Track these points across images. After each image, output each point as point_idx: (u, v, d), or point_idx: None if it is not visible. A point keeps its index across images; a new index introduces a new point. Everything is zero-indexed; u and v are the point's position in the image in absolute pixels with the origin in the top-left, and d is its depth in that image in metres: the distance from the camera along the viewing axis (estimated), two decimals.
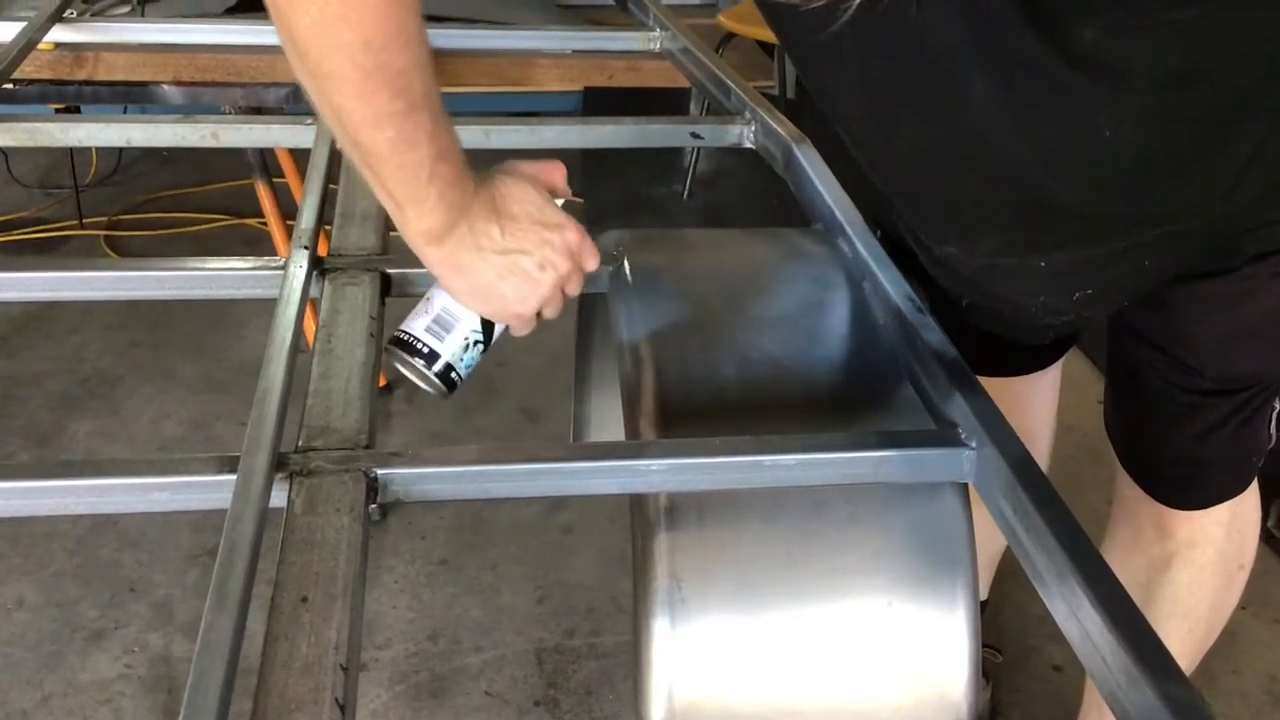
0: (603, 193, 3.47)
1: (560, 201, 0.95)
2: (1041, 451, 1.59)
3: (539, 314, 0.94)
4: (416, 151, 0.80)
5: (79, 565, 2.03)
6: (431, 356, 0.93)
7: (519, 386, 2.56)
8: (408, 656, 1.86)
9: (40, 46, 1.73)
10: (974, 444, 0.83)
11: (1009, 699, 1.83)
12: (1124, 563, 1.34)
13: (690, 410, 0.93)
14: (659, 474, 0.81)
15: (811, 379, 0.97)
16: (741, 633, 0.82)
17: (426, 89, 0.78)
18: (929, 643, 0.84)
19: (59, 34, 1.78)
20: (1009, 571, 1.76)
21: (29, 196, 3.43)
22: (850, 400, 0.96)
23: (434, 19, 1.99)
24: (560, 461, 0.82)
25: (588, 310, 1.40)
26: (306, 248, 1.02)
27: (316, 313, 0.98)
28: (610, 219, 1.20)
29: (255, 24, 1.87)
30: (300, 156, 2.05)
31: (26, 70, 1.76)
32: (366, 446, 0.80)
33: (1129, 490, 1.34)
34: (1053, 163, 0.92)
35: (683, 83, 1.78)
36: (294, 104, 1.92)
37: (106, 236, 3.23)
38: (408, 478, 0.79)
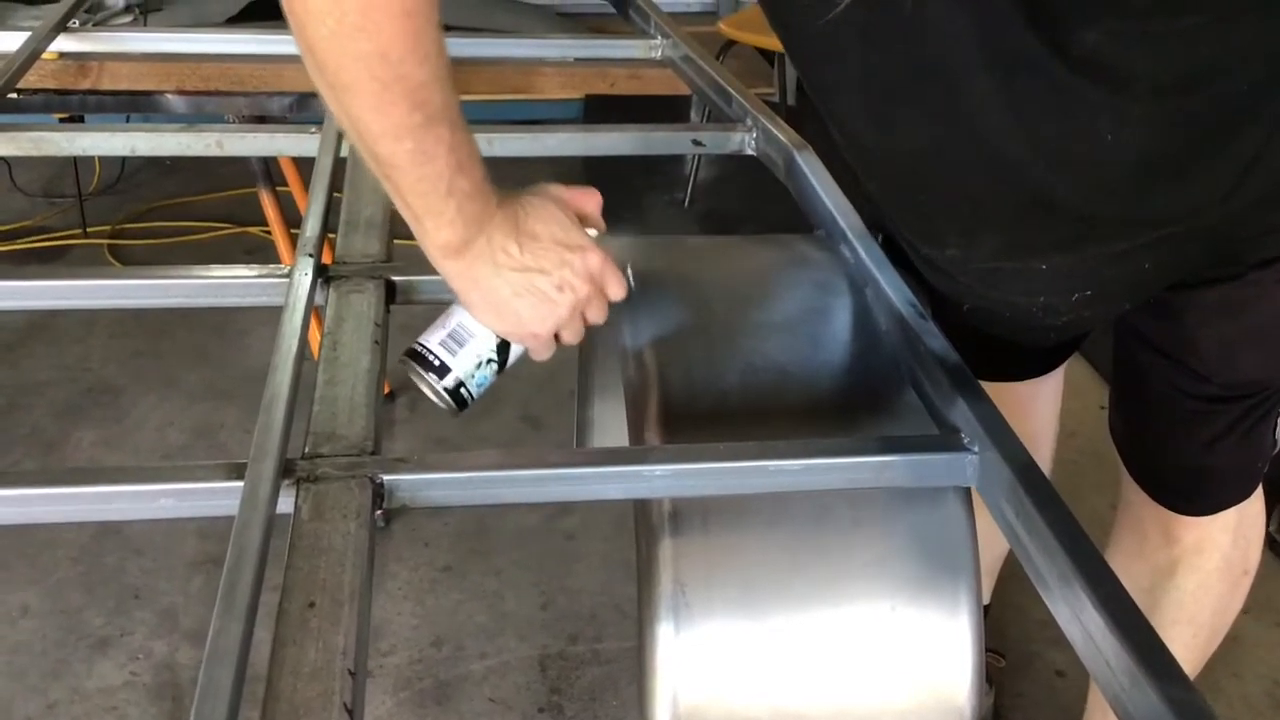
0: (605, 201, 3.47)
1: (592, 233, 0.94)
2: (1044, 456, 1.59)
3: (558, 338, 0.93)
4: (435, 164, 0.80)
5: (84, 573, 2.03)
6: (443, 370, 0.93)
7: (521, 394, 2.56)
8: (412, 663, 1.86)
9: (45, 56, 1.74)
10: (976, 448, 0.84)
11: (1011, 704, 1.83)
12: (1128, 568, 1.34)
13: (694, 416, 0.93)
14: (663, 479, 0.81)
15: (814, 384, 0.97)
16: (745, 637, 0.83)
17: (446, 102, 0.79)
18: (932, 647, 0.84)
19: (63, 44, 1.78)
20: (1011, 576, 1.76)
21: (32, 205, 3.43)
22: (853, 405, 0.96)
23: None
24: (565, 467, 0.82)
25: None
26: (311, 255, 1.03)
27: (321, 321, 0.99)
28: (612, 227, 1.21)
29: (258, 33, 1.88)
30: (304, 165, 2.06)
31: (31, 80, 1.78)
32: (372, 453, 0.81)
33: (1134, 496, 1.34)
34: (1053, 163, 0.92)
35: (684, 90, 1.78)
36: (297, 112, 1.93)
37: (110, 245, 3.24)
38: (414, 484, 0.79)
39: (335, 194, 1.19)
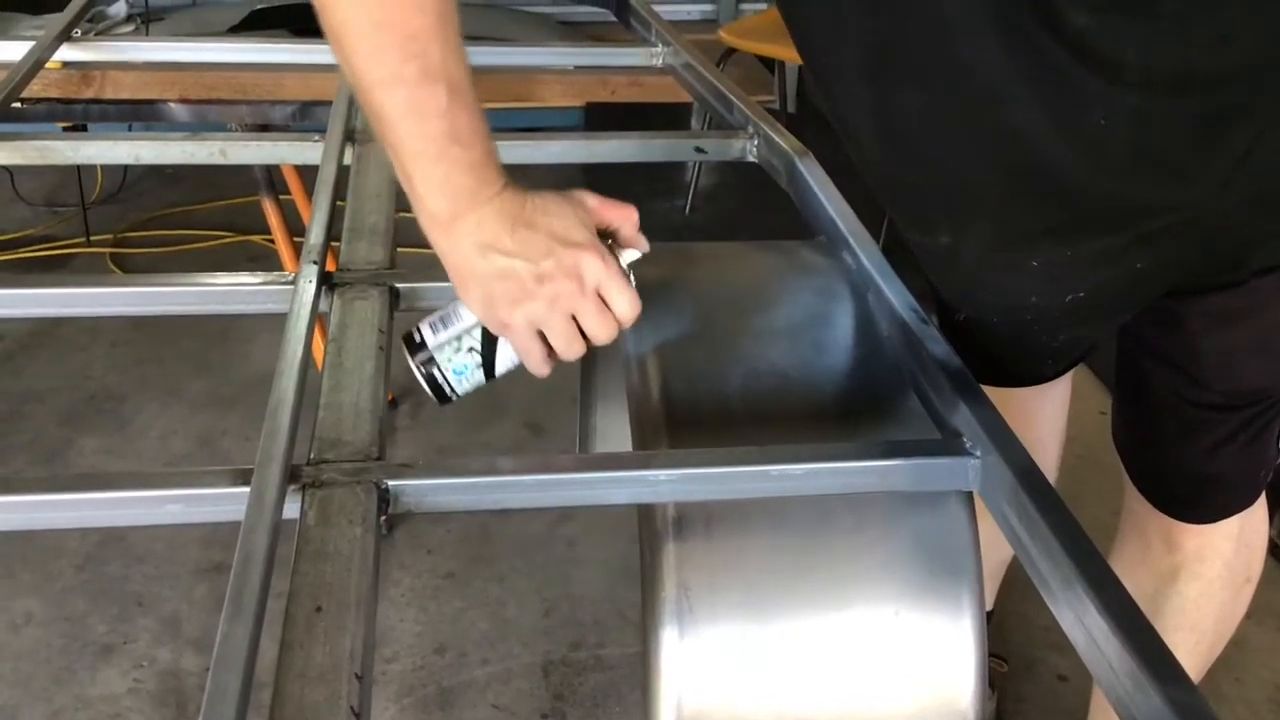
0: None
1: (631, 255, 0.90)
2: (1049, 464, 1.58)
3: (553, 352, 0.90)
4: (426, 124, 0.80)
5: (87, 581, 2.04)
6: (419, 346, 0.93)
7: (523, 401, 2.56)
8: (415, 669, 1.86)
9: (48, 66, 1.74)
10: (979, 453, 0.84)
11: (1014, 708, 1.83)
12: (1131, 575, 1.34)
13: (697, 421, 0.93)
14: (667, 484, 0.82)
15: (817, 390, 0.98)
16: (749, 642, 0.83)
17: (446, 62, 0.79)
18: (935, 651, 0.84)
19: (66, 53, 1.79)
20: (1013, 582, 1.77)
21: (34, 215, 3.44)
22: (855, 411, 0.97)
23: None
24: (570, 472, 0.82)
25: None
26: (316, 263, 1.03)
27: (324, 330, 0.99)
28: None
29: (261, 42, 1.89)
30: (306, 173, 2.07)
31: (34, 89, 1.78)
32: (378, 458, 0.81)
33: (1137, 504, 1.34)
34: (1048, 134, 0.92)
35: (684, 98, 1.79)
36: (300, 121, 1.93)
37: (112, 254, 3.24)
38: (419, 489, 0.79)
39: (339, 202, 1.20)
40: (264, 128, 1.95)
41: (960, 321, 1.17)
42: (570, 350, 0.89)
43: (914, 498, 0.87)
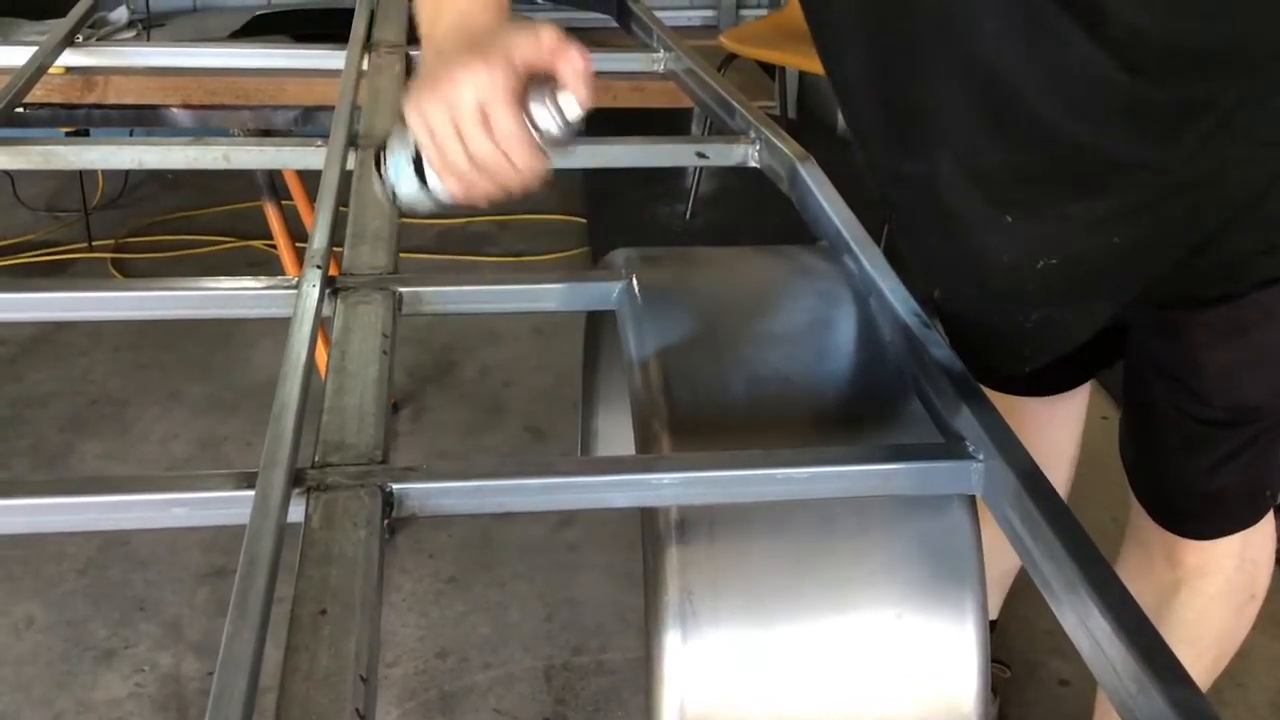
0: (605, 214, 3.49)
1: (572, 108, 0.84)
2: (1058, 481, 1.57)
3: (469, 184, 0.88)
4: None
5: (89, 585, 2.04)
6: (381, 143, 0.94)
7: (524, 405, 2.57)
8: (417, 674, 1.86)
9: (51, 71, 1.75)
10: (981, 457, 0.84)
11: (1016, 713, 1.83)
12: (1133, 587, 1.33)
13: (700, 426, 0.93)
14: (670, 487, 0.82)
15: (819, 394, 0.98)
16: (752, 645, 0.83)
17: None
18: (938, 655, 0.85)
19: (69, 58, 1.80)
20: (1015, 588, 1.77)
21: (35, 219, 3.45)
22: (858, 415, 0.97)
23: None
24: (573, 475, 0.82)
25: (595, 327, 1.41)
26: (319, 267, 1.03)
27: (326, 337, 0.99)
28: (613, 240, 1.22)
29: (263, 47, 1.89)
30: (308, 179, 2.07)
31: (37, 94, 1.78)
32: (382, 462, 0.81)
33: (1140, 518, 1.33)
34: (1025, 75, 0.93)
35: (685, 103, 1.79)
36: (302, 126, 1.94)
37: (113, 259, 3.25)
38: (423, 492, 0.79)
39: (341, 208, 1.20)
40: (266, 133, 1.96)
41: (939, 306, 1.16)
42: (450, 163, 0.86)
43: (917, 501, 0.87)
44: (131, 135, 2.32)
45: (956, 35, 0.94)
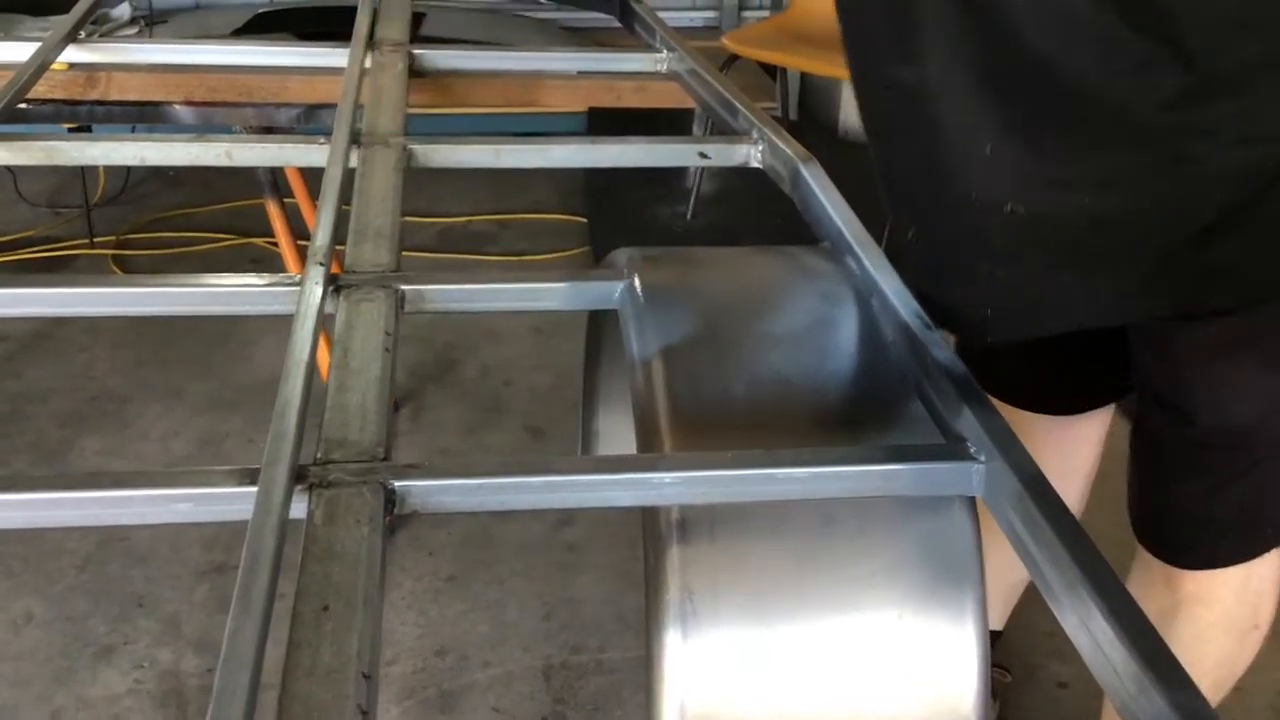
0: (607, 214, 3.49)
1: None
2: (1067, 500, 1.55)
3: None
4: None
5: (88, 581, 2.04)
6: None
7: (524, 405, 2.57)
8: (416, 672, 1.86)
9: (53, 67, 1.74)
10: (983, 458, 0.85)
11: (1015, 715, 1.83)
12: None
13: (701, 425, 0.94)
14: (672, 487, 0.82)
15: (821, 395, 0.98)
16: (752, 645, 0.83)
17: None
18: (938, 655, 0.85)
19: (72, 55, 1.79)
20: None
21: (36, 215, 3.45)
22: (859, 416, 0.97)
23: (442, 40, 2.01)
24: (575, 474, 0.82)
25: (596, 326, 1.41)
26: (322, 264, 1.03)
27: (328, 336, 0.99)
28: (614, 240, 1.22)
29: (266, 45, 1.89)
30: (310, 176, 2.07)
31: (40, 90, 1.78)
32: (384, 459, 0.81)
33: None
34: None
35: (687, 104, 1.79)
36: (305, 124, 1.94)
37: (114, 256, 3.25)
38: (425, 490, 0.80)
39: (344, 207, 1.20)
40: (268, 130, 1.96)
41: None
42: None
43: (918, 502, 0.87)
44: (134, 131, 2.32)
45: None
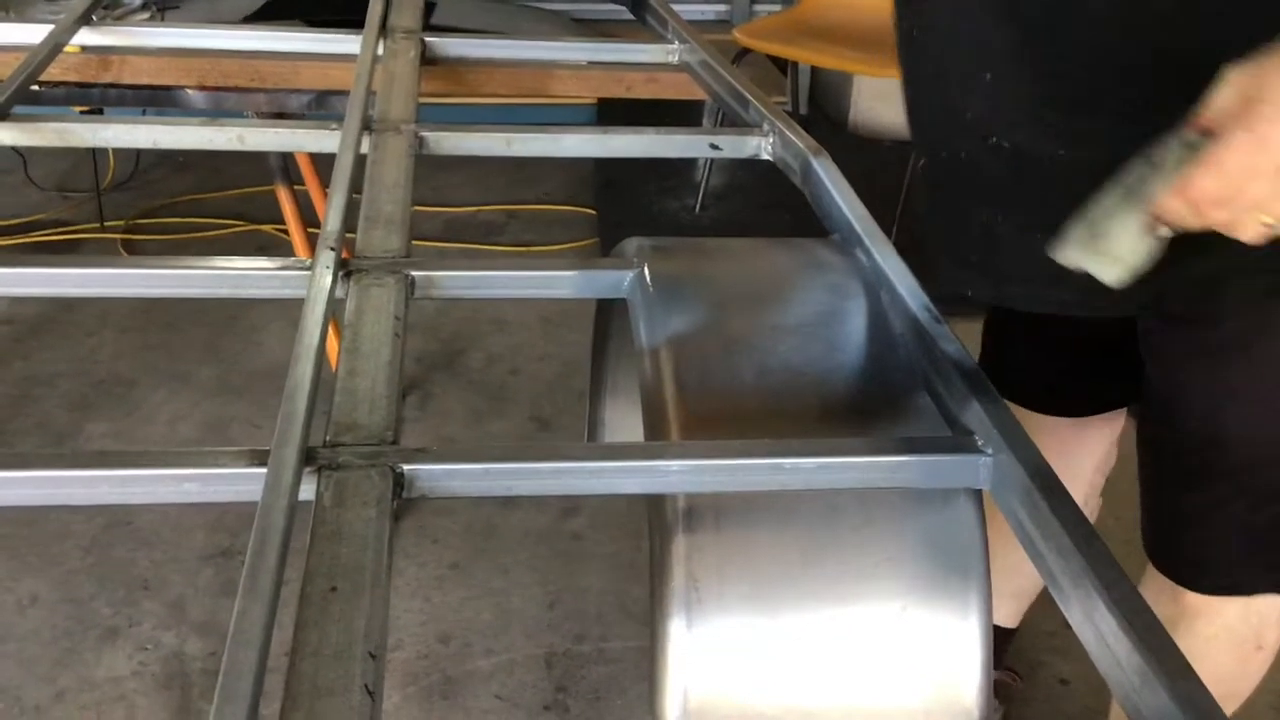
0: (615, 206, 3.49)
1: None
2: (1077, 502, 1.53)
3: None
4: None
5: (94, 563, 2.05)
6: None
7: (530, 394, 2.57)
8: (419, 658, 1.87)
9: (66, 50, 1.75)
10: (990, 451, 0.85)
11: (1016, 711, 1.83)
12: None
13: (709, 415, 0.94)
14: (679, 475, 0.82)
15: (829, 386, 0.98)
16: (756, 634, 0.83)
17: None
18: (942, 647, 0.85)
19: (85, 37, 1.80)
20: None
21: (45, 199, 3.45)
22: (867, 408, 0.97)
23: (452, 29, 2.01)
24: (582, 460, 0.83)
25: (604, 316, 1.41)
26: (333, 249, 1.03)
27: (338, 323, 0.99)
28: (622, 231, 1.23)
29: (280, 30, 1.89)
30: (321, 163, 2.07)
31: (52, 73, 1.78)
32: (393, 443, 0.82)
33: None
34: None
35: (698, 95, 1.79)
36: (316, 109, 1.94)
37: (124, 240, 3.25)
38: (433, 474, 0.80)
39: (354, 195, 1.20)
40: (280, 116, 1.96)
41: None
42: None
43: (924, 494, 0.87)
44: (145, 115, 2.32)
45: None
